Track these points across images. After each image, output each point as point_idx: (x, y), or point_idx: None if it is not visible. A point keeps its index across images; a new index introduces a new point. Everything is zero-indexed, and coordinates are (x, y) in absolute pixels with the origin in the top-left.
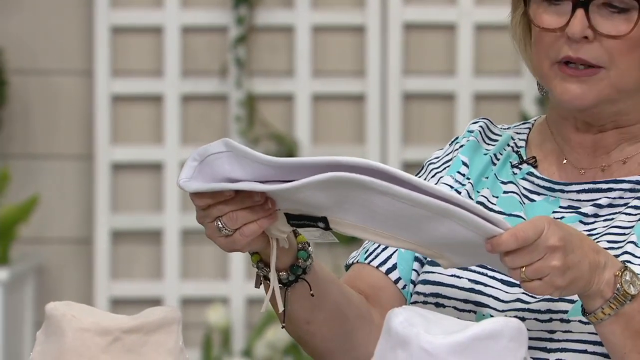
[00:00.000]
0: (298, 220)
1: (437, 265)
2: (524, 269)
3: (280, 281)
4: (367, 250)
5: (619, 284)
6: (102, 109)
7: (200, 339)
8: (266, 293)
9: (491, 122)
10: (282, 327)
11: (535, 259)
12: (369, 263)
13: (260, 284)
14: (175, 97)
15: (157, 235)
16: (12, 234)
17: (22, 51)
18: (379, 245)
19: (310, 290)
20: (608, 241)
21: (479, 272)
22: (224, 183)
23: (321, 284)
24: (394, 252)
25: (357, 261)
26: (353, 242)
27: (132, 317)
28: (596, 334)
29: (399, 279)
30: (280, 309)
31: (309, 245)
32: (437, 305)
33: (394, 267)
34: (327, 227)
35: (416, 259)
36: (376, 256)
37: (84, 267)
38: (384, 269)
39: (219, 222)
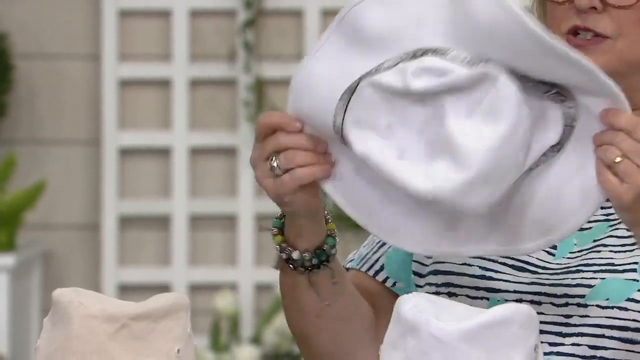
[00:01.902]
0: None
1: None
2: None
3: (303, 264)
4: (361, 255)
5: None
6: (109, 94)
7: (209, 326)
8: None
9: None
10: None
11: (627, 148)
12: (359, 269)
13: (278, 266)
14: (183, 81)
15: (165, 221)
16: (19, 220)
17: (28, 35)
18: (370, 249)
19: (333, 278)
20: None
21: (489, 259)
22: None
23: (340, 278)
24: (382, 255)
25: (352, 267)
26: (361, 229)
27: (140, 304)
28: (614, 318)
29: (386, 278)
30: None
31: (336, 236)
32: (450, 294)
33: (381, 268)
34: None
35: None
36: (366, 260)
37: (91, 254)
38: (372, 272)
39: (275, 161)
